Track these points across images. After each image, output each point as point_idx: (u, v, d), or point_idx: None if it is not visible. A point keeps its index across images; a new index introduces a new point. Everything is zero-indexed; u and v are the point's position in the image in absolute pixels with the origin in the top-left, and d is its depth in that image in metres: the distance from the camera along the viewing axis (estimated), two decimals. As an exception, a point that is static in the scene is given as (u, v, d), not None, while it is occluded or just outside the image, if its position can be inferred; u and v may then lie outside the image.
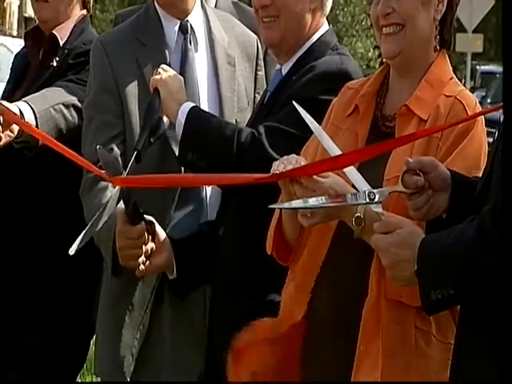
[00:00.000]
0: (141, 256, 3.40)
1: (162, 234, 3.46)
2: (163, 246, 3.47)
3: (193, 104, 3.45)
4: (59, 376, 4.18)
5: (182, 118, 3.37)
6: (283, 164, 2.86)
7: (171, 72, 3.50)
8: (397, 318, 2.88)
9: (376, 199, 2.71)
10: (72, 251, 3.10)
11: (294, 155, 2.88)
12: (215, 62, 3.78)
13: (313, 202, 2.74)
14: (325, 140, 2.87)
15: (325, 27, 3.55)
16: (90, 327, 4.07)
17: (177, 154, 3.39)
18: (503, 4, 2.15)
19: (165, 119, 3.44)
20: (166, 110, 3.39)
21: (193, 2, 3.78)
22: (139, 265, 3.41)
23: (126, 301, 3.69)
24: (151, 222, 3.41)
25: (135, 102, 3.64)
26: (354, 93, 3.14)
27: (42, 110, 3.80)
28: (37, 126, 3.74)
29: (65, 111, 3.88)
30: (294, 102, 3.03)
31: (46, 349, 4.11)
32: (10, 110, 3.58)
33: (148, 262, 3.43)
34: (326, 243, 3.02)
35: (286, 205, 2.87)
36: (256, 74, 3.89)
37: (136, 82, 3.66)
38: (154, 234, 3.43)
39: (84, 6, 4.26)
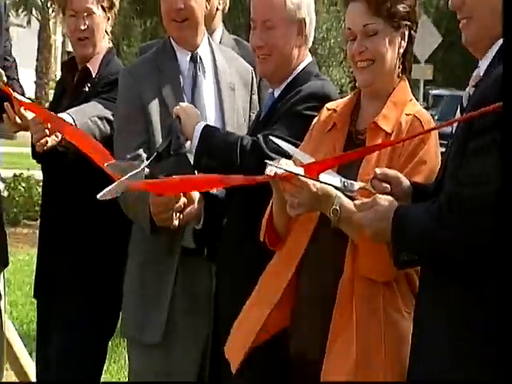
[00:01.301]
0: (172, 216, 3.37)
1: None
2: (194, 201, 3.43)
3: (205, 123, 3.46)
4: (92, 341, 4.13)
5: (197, 133, 3.37)
6: (275, 166, 2.83)
7: (189, 105, 3.52)
8: (368, 292, 2.87)
9: (348, 187, 2.74)
10: (99, 196, 3.14)
11: (284, 159, 2.87)
12: (219, 87, 3.77)
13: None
14: (299, 154, 2.90)
15: (308, 58, 3.54)
16: (119, 296, 4.03)
17: (192, 162, 3.37)
18: (503, 4, 2.04)
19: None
20: (185, 129, 3.38)
21: (201, 38, 3.76)
22: (172, 222, 3.39)
23: (150, 272, 3.64)
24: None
25: (157, 117, 3.63)
26: (332, 112, 3.14)
27: (81, 120, 3.78)
28: None
29: (99, 122, 3.86)
30: (272, 137, 3.08)
31: (82, 315, 4.06)
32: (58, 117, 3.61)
33: (180, 215, 3.40)
34: (309, 231, 3.00)
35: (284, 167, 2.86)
36: (251, 98, 3.88)
37: (157, 100, 3.65)
38: None
39: (109, 39, 4.24)
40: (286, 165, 2.80)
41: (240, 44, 4.18)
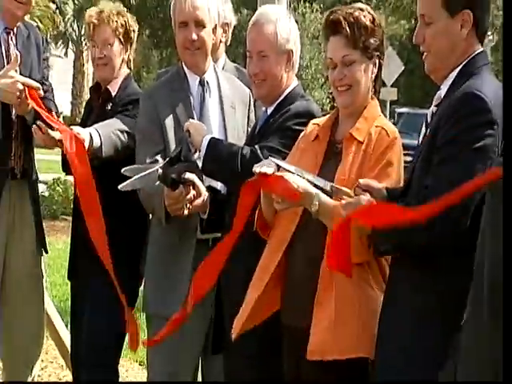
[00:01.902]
0: (183, 206, 3.37)
1: (200, 184, 3.40)
2: (201, 194, 3.41)
3: (211, 135, 3.46)
4: (115, 315, 4.04)
5: (205, 143, 3.37)
6: (260, 167, 2.89)
7: (197, 121, 3.53)
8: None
9: (335, 191, 2.79)
10: (120, 187, 3.27)
11: (265, 161, 2.97)
12: (222, 106, 3.76)
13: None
14: (285, 165, 2.95)
15: (295, 82, 3.52)
16: (138, 275, 4.05)
17: (200, 167, 3.38)
18: (503, 4, 2.04)
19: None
20: (193, 141, 3.37)
21: (208, 65, 3.76)
22: (183, 211, 3.38)
23: (169, 258, 3.62)
24: (190, 180, 3.35)
25: (171, 130, 3.62)
26: (316, 126, 3.16)
27: (105, 133, 3.78)
28: (101, 144, 3.74)
29: (120, 134, 3.85)
30: (270, 157, 3.07)
31: (106, 294, 3.98)
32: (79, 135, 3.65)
33: (190, 205, 3.39)
34: (295, 222, 3.01)
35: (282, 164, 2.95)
36: (248, 115, 3.85)
37: (171, 117, 3.64)
38: (194, 185, 3.37)
39: (128, 66, 4.20)
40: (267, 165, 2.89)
41: (239, 71, 4.17)
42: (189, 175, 3.33)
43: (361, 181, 2.76)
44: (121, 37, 4.08)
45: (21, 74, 3.89)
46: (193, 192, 3.37)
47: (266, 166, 2.92)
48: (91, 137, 3.72)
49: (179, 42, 3.68)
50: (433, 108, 2.76)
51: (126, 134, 3.88)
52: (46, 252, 4.23)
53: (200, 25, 3.62)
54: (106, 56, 4.04)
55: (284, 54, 3.41)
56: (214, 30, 3.70)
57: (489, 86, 2.61)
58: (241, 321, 3.09)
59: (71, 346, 4.40)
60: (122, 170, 3.36)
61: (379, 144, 2.96)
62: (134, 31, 4.16)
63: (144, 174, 3.29)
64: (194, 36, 3.61)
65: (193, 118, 3.61)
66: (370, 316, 2.88)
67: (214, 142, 3.39)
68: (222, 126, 3.73)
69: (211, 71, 3.78)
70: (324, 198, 2.85)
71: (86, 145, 3.67)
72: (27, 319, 4.15)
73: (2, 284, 4.05)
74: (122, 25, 4.08)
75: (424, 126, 2.78)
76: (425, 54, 2.73)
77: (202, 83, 3.73)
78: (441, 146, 2.56)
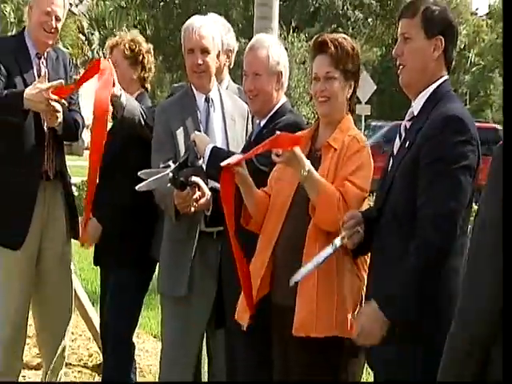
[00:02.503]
0: (190, 205, 3.35)
1: (204, 186, 3.38)
2: (205, 194, 3.38)
3: (214, 145, 3.43)
4: (134, 294, 4.12)
5: (207, 151, 3.35)
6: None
7: (202, 133, 3.52)
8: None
9: (338, 246, 2.73)
10: (137, 187, 3.25)
11: (236, 155, 3.05)
12: (224, 119, 3.73)
13: None
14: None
15: (284, 99, 3.49)
16: (151, 264, 4.05)
17: (205, 170, 3.36)
18: (503, 5, 1.99)
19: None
20: (199, 149, 3.35)
21: (212, 85, 3.74)
22: (190, 209, 3.37)
23: (178, 248, 3.60)
24: (196, 182, 3.33)
25: (181, 140, 3.59)
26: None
27: (132, 102, 3.81)
28: (125, 105, 3.73)
29: (142, 112, 3.84)
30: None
31: (127, 276, 4.05)
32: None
33: (196, 204, 3.37)
34: (283, 214, 3.00)
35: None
36: (247, 127, 3.82)
37: (181, 128, 3.62)
38: (199, 187, 3.35)
39: (142, 85, 4.19)
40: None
41: (240, 90, 4.13)
42: (195, 178, 3.31)
43: (345, 217, 2.73)
44: (129, 59, 4.07)
45: None
46: (198, 193, 3.35)
47: (230, 159, 2.97)
48: (121, 95, 3.71)
49: (188, 66, 3.66)
50: (406, 123, 2.74)
51: (145, 116, 3.85)
52: (76, 238, 4.20)
53: (205, 51, 3.60)
54: (120, 81, 4.01)
55: (275, 74, 3.39)
56: (218, 55, 3.69)
57: (464, 110, 2.64)
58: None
59: (100, 318, 4.40)
60: (139, 173, 3.33)
61: (351, 148, 2.95)
62: (143, 55, 4.11)
63: (157, 176, 3.27)
64: (200, 61, 3.60)
65: (199, 130, 3.59)
66: (348, 299, 2.86)
67: (215, 150, 3.37)
68: (224, 136, 3.70)
69: (215, 90, 3.75)
70: (314, 170, 2.84)
71: (117, 92, 3.66)
72: (58, 297, 4.14)
73: (38, 266, 4.04)
74: (131, 48, 4.07)
75: (398, 137, 2.75)
76: (401, 67, 2.70)
77: (207, 100, 3.71)
78: (428, 164, 2.52)
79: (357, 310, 2.83)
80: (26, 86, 3.76)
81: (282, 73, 3.41)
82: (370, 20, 32.10)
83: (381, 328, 2.48)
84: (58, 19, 3.87)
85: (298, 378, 2.93)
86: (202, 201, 3.38)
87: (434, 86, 2.66)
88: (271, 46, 3.40)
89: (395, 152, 2.72)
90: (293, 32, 25.82)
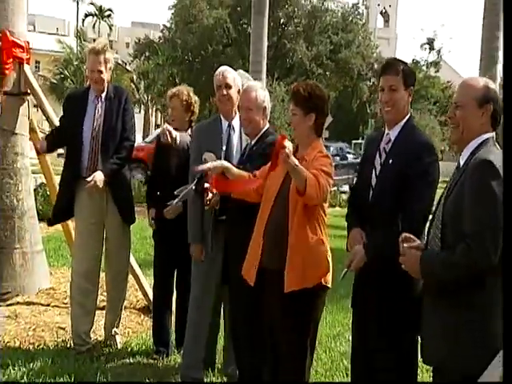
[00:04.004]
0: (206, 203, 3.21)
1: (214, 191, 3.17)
2: (215, 194, 3.20)
3: (212, 163, 3.12)
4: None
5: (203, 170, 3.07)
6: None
7: (212, 154, 3.27)
8: (304, 226, 2.73)
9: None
10: (172, 203, 3.08)
11: (219, 162, 2.94)
12: (241, 141, 3.45)
13: None
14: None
15: (268, 125, 3.30)
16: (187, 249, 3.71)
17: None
18: (504, 5, 1.70)
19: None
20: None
21: (234, 115, 3.49)
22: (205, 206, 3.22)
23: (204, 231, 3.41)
24: (208, 188, 3.15)
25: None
26: None
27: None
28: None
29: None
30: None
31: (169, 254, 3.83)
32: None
33: (209, 202, 3.21)
34: (271, 204, 2.82)
35: None
36: None
37: (207, 146, 3.38)
38: (210, 191, 3.17)
39: (190, 125, 4.02)
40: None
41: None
42: (206, 185, 3.15)
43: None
44: (185, 106, 3.96)
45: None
46: (210, 194, 3.22)
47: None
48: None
49: (217, 97, 3.52)
50: (383, 145, 2.60)
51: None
52: (133, 222, 4.01)
53: (228, 87, 3.43)
54: (175, 120, 3.96)
55: (261, 108, 3.22)
56: (238, 92, 3.49)
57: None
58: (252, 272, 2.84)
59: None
60: (175, 192, 3.10)
61: (316, 157, 2.79)
62: (193, 104, 4.01)
63: (185, 192, 3.07)
64: (225, 92, 3.42)
65: (222, 149, 3.38)
66: (314, 256, 2.72)
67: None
68: (240, 153, 3.42)
69: (236, 119, 3.51)
70: (299, 164, 2.59)
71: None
72: (119, 265, 4.02)
73: (105, 245, 3.92)
74: (186, 99, 3.94)
75: (378, 155, 2.60)
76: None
77: (229, 126, 3.47)
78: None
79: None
80: (85, 117, 3.75)
81: (266, 108, 3.25)
82: (327, 73, 33.73)
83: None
84: (101, 72, 3.80)
85: (281, 313, 2.75)
86: (214, 200, 3.24)
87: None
88: (258, 89, 3.21)
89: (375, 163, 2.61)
90: (276, 80, 26.57)
